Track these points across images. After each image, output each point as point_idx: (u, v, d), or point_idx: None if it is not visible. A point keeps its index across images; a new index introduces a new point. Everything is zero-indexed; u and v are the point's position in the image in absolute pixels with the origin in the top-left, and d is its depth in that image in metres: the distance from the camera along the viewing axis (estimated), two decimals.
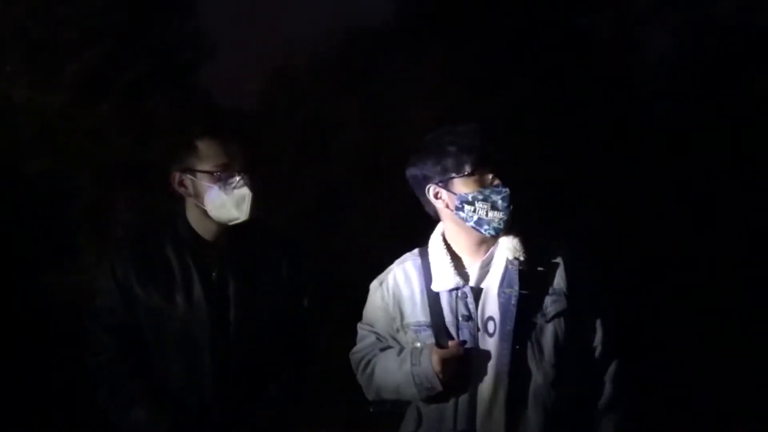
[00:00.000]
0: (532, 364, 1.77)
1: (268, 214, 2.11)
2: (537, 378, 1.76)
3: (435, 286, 1.86)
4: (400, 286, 1.93)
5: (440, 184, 1.83)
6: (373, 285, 1.98)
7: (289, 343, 2.04)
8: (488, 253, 1.85)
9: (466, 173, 1.81)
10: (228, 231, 1.97)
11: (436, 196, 1.85)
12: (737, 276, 5.35)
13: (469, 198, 1.80)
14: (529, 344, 1.78)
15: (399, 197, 4.77)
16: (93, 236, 3.74)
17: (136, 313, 1.93)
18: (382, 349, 1.92)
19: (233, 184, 1.91)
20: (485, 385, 1.77)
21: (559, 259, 1.84)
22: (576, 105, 5.85)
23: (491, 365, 1.77)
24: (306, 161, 4.42)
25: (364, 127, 4.58)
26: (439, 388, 1.77)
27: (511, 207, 1.79)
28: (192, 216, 1.98)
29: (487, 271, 1.84)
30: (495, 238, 1.84)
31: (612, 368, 1.81)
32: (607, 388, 1.79)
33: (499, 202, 1.79)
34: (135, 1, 4.57)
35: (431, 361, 1.76)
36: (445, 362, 1.76)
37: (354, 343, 2.04)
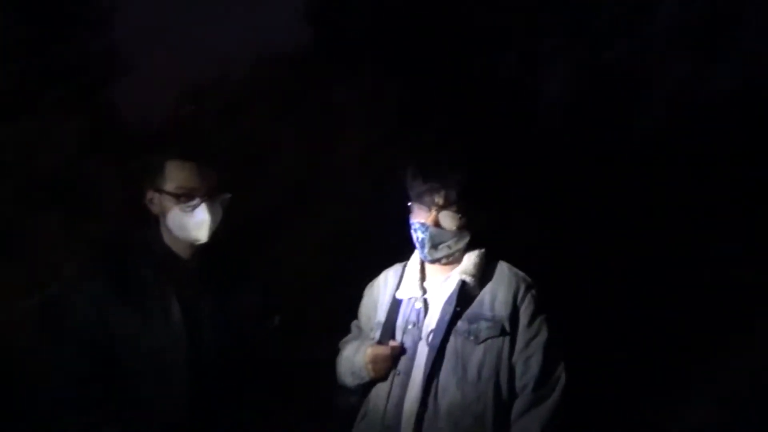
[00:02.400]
0: (452, 381, 1.90)
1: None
2: (455, 395, 1.89)
3: (399, 293, 2.04)
4: (379, 289, 2.13)
5: (410, 204, 1.99)
6: (367, 286, 2.19)
7: (258, 360, 2.05)
8: (450, 271, 2.00)
9: (410, 202, 1.99)
10: (199, 248, 1.99)
11: (409, 211, 2.01)
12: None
13: (412, 224, 1.99)
14: (454, 361, 1.91)
15: (331, 218, 4.86)
16: (14, 258, 3.54)
17: (108, 334, 1.89)
18: None
19: (192, 207, 1.95)
20: (412, 390, 1.93)
21: (509, 288, 1.97)
22: (488, 136, 6.21)
23: (418, 373, 1.93)
24: (238, 181, 4.40)
25: (297, 148, 4.65)
26: (366, 379, 1.97)
27: (432, 246, 1.95)
28: (165, 233, 2.00)
29: (443, 288, 1.99)
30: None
31: (544, 411, 1.86)
32: (536, 429, 1.86)
33: (420, 238, 1.96)
34: (57, 15, 4.43)
35: (365, 355, 1.93)
36: (374, 357, 1.95)
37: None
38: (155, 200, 1.98)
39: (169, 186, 1.95)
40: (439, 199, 1.93)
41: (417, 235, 1.98)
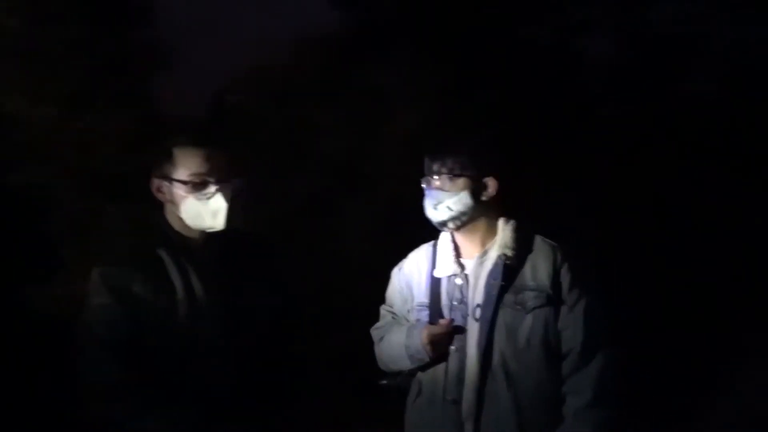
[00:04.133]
0: (507, 351, 1.98)
1: (250, 220, 2.12)
2: (511, 364, 1.98)
3: (436, 273, 2.10)
4: (412, 271, 2.17)
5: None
6: (394, 270, 2.23)
7: (275, 341, 2.02)
8: (485, 247, 2.06)
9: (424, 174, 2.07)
10: (209, 233, 1.94)
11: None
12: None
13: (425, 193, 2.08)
14: (505, 332, 1.99)
15: (379, 200, 4.90)
16: (76, 247, 3.68)
17: (136, 320, 1.85)
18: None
19: (208, 195, 1.88)
20: (470, 363, 1.99)
21: (547, 258, 2.04)
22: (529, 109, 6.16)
23: (473, 347, 1.99)
24: (286, 167, 4.48)
25: (342, 133, 4.69)
26: (426, 359, 2.02)
27: (432, 207, 2.03)
28: (173, 219, 1.95)
29: (482, 263, 2.05)
30: (451, 230, 2.07)
31: (592, 370, 1.96)
32: (586, 387, 1.95)
33: (425, 203, 2.06)
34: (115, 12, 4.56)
35: (421, 336, 1.99)
36: (432, 337, 2.01)
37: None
38: (163, 188, 1.90)
39: (181, 174, 1.88)
40: (436, 167, 2.04)
41: (424, 203, 2.06)
